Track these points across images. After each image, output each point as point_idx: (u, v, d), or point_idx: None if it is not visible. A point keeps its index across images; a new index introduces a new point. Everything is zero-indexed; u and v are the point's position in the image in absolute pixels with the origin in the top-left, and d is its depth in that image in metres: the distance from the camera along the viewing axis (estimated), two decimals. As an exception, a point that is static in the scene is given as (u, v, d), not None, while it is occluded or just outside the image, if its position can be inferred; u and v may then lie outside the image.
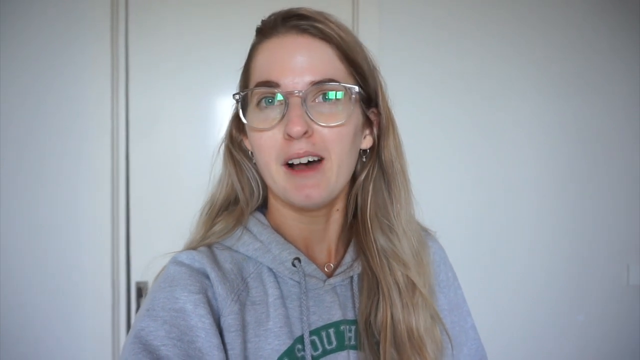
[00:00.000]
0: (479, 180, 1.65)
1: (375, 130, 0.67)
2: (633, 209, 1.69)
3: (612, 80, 1.69)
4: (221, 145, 0.69)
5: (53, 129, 1.54)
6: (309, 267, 0.64)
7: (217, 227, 0.66)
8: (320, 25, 0.60)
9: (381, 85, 0.67)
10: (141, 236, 1.59)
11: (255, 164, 0.66)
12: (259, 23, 0.64)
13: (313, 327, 0.62)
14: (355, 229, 0.69)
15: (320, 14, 0.62)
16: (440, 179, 1.63)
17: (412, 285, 0.64)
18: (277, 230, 0.67)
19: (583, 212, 1.68)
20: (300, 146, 0.58)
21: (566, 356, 1.66)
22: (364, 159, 0.67)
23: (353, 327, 0.64)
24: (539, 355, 1.66)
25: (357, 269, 0.67)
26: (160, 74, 1.60)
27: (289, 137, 0.58)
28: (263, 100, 0.60)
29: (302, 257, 0.64)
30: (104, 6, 1.55)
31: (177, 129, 1.62)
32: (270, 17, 0.63)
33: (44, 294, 1.52)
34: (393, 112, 0.68)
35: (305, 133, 0.57)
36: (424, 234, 0.72)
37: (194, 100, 1.61)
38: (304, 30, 0.60)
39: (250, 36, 0.66)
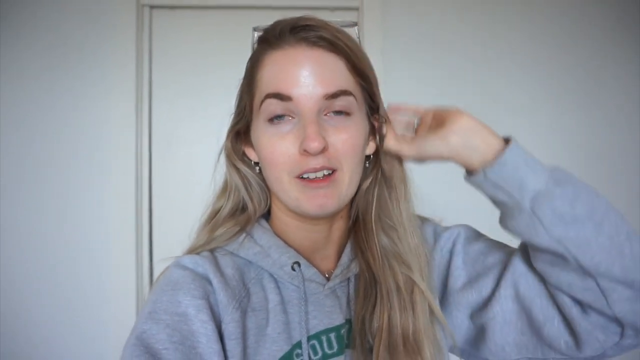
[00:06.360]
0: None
1: (377, 136, 0.66)
2: (634, 218, 1.63)
3: (614, 92, 1.72)
4: (220, 154, 0.68)
5: (80, 148, 1.60)
6: (308, 272, 0.63)
7: (220, 232, 0.65)
8: (330, 37, 0.58)
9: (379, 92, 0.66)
10: (164, 252, 1.60)
11: (259, 173, 0.66)
12: (261, 32, 0.62)
13: (313, 332, 0.61)
14: (355, 231, 0.68)
15: (327, 23, 0.60)
16: (447, 187, 1.58)
17: (412, 284, 0.63)
18: (280, 236, 0.66)
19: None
20: (317, 161, 0.57)
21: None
22: (367, 164, 0.66)
23: (347, 327, 0.63)
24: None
25: (355, 269, 0.66)
26: (181, 93, 1.67)
27: (305, 153, 0.56)
28: (274, 114, 0.58)
29: (302, 261, 0.63)
30: (128, 30, 1.64)
31: (195, 146, 1.67)
32: (275, 26, 0.61)
33: (71, 312, 1.57)
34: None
35: (322, 149, 0.56)
36: (422, 223, 0.71)
37: (213, 118, 1.64)
38: (313, 44, 0.58)
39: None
